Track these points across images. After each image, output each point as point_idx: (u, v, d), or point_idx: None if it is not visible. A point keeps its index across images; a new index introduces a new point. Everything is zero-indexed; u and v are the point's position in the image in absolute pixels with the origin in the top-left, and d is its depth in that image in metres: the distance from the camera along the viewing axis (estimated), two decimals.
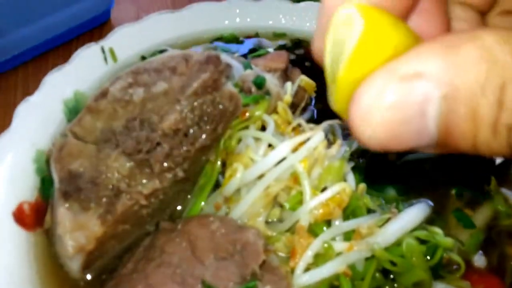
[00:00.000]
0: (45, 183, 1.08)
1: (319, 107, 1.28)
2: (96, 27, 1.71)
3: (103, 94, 1.03)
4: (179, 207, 1.08)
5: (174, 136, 0.98)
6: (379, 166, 1.18)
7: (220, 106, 1.01)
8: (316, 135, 1.01)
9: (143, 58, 1.29)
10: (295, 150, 1.01)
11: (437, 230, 1.05)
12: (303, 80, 1.20)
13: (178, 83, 0.99)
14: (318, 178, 1.02)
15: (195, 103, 0.98)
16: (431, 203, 1.13)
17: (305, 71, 1.26)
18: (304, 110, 1.24)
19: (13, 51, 1.52)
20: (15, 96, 1.54)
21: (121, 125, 1.00)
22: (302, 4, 1.40)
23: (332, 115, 1.23)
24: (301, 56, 1.35)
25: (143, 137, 0.97)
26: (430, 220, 1.09)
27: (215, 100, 1.01)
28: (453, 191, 1.18)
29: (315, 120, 1.23)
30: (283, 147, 1.01)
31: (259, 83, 1.09)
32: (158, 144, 0.97)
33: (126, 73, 1.04)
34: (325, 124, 1.06)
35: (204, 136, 1.00)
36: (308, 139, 1.02)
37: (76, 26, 1.62)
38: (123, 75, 1.04)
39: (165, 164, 0.98)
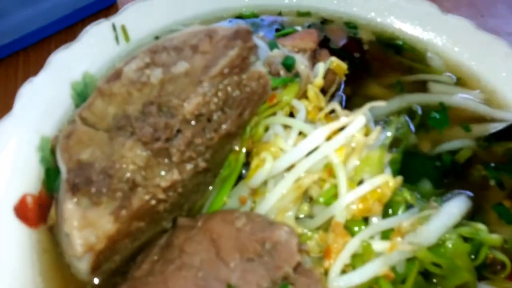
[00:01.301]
0: (50, 174, 0.98)
1: (348, 93, 1.17)
2: (102, 10, 1.60)
3: (117, 75, 0.92)
4: (198, 201, 0.97)
5: (196, 122, 0.87)
6: (413, 158, 1.09)
7: (247, 89, 0.90)
8: (356, 120, 0.91)
9: (157, 38, 1.18)
10: (329, 138, 0.91)
11: (481, 226, 0.95)
12: (334, 62, 1.09)
13: (201, 63, 0.88)
14: (354, 169, 0.92)
15: (220, 85, 0.88)
16: (470, 193, 1.05)
17: (332, 53, 1.15)
18: (332, 96, 1.14)
19: (14, 35, 1.42)
20: (15, 85, 1.44)
21: (136, 110, 0.89)
22: None
23: (364, 101, 1.16)
24: (326, 37, 1.24)
25: (162, 124, 0.86)
26: (469, 216, 0.99)
27: (242, 81, 0.90)
28: (493, 182, 1.09)
29: (343, 108, 1.13)
30: (317, 135, 0.90)
31: (289, 65, 0.98)
32: (178, 131, 0.87)
33: (143, 51, 0.93)
34: (366, 107, 0.95)
35: (229, 122, 0.90)
36: (345, 126, 0.92)
37: (81, 8, 1.51)
38: (139, 54, 0.93)
39: (186, 154, 0.87)
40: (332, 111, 0.99)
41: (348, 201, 0.88)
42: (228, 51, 0.88)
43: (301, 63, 1.01)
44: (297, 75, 0.99)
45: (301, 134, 0.95)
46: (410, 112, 1.16)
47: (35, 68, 1.46)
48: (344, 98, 1.16)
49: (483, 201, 1.07)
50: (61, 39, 1.52)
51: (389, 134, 0.98)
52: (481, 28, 1.23)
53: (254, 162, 0.93)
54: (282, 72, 0.99)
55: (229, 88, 0.89)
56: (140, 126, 0.88)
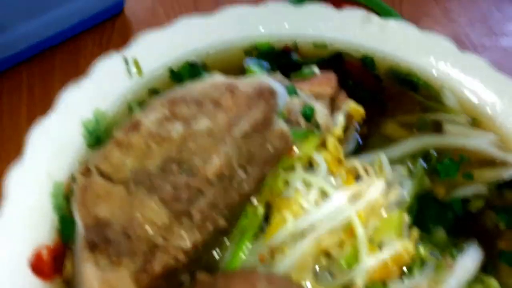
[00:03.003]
0: (65, 223, 0.95)
1: (364, 132, 1.15)
2: (108, 19, 1.56)
3: (135, 126, 0.90)
4: (216, 254, 0.95)
5: (218, 182, 0.85)
6: (427, 204, 1.08)
7: (269, 147, 0.89)
8: (376, 185, 0.91)
9: (172, 71, 1.15)
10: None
11: (493, 282, 0.97)
12: (351, 106, 1.07)
13: (223, 120, 0.86)
14: (374, 229, 0.92)
15: (243, 145, 0.86)
16: (483, 242, 1.05)
17: (348, 91, 1.14)
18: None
19: (19, 46, 1.37)
20: (19, 99, 1.40)
21: (156, 166, 0.87)
22: (345, 11, 1.26)
23: (381, 141, 1.14)
24: (343, 72, 1.22)
25: (183, 183, 0.85)
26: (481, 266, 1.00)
27: (264, 140, 0.88)
28: (503, 226, 1.09)
29: (360, 146, 1.12)
30: (339, 197, 0.90)
31: (308, 115, 0.97)
32: (200, 191, 0.85)
33: (161, 102, 0.90)
34: (387, 169, 0.94)
35: (250, 181, 0.88)
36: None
37: (86, 19, 1.46)
38: (157, 105, 0.90)
39: (207, 214, 0.86)
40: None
41: (369, 266, 0.88)
42: (252, 112, 0.86)
43: (320, 111, 0.99)
44: (316, 125, 0.98)
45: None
46: (424, 153, 1.15)
47: (39, 78, 1.44)
48: (359, 138, 1.14)
49: (495, 250, 1.07)
50: (67, 49, 1.48)
51: (406, 194, 0.98)
52: (498, 70, 1.21)
53: (275, 220, 0.92)
54: (301, 121, 0.97)
55: (251, 148, 0.87)
56: (160, 184, 0.86)
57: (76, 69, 1.46)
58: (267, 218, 0.95)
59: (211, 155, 0.85)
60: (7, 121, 1.33)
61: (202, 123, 0.86)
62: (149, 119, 0.89)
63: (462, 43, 1.74)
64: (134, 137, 0.89)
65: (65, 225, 0.95)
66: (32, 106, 1.39)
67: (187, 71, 1.16)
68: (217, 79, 0.93)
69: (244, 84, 0.90)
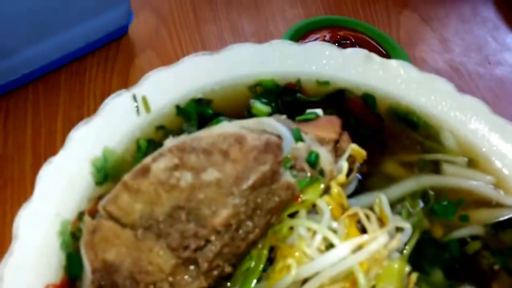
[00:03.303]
0: (71, 260, 0.97)
1: (364, 171, 1.18)
2: (113, 41, 1.58)
3: (144, 171, 0.91)
4: None
5: (225, 232, 0.88)
6: (425, 246, 1.11)
7: (276, 198, 0.91)
8: (380, 237, 0.93)
9: (178, 107, 1.17)
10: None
11: None
12: (354, 149, 1.10)
13: (232, 172, 0.88)
14: (375, 278, 0.94)
15: (250, 197, 0.88)
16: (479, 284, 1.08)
17: (350, 129, 1.16)
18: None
19: (26, 69, 1.40)
20: (25, 119, 1.43)
21: (164, 213, 0.89)
22: (348, 50, 1.28)
23: (381, 181, 1.17)
24: (345, 109, 1.25)
25: (191, 232, 0.87)
26: None
27: (271, 191, 0.91)
28: (498, 267, 1.12)
29: (360, 185, 1.15)
30: (343, 248, 0.92)
31: (313, 162, 0.99)
32: (208, 240, 0.87)
33: (170, 149, 0.92)
34: (391, 226, 0.96)
35: (256, 230, 0.91)
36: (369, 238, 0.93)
37: (91, 42, 1.49)
38: (166, 152, 0.92)
39: (214, 263, 0.88)
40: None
41: None
42: (260, 166, 0.88)
43: (325, 157, 1.01)
44: (321, 172, 1.00)
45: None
46: (423, 193, 1.17)
47: (44, 97, 1.47)
48: (360, 177, 1.17)
49: None
50: (71, 69, 1.52)
51: (406, 241, 1.01)
52: (496, 113, 1.24)
53: (279, 265, 0.94)
54: (306, 167, 0.99)
55: (258, 199, 0.89)
56: (168, 231, 0.88)
57: (81, 89, 1.49)
58: (270, 260, 0.97)
59: (219, 206, 0.87)
60: (11, 138, 1.37)
61: (211, 174, 0.88)
62: (158, 166, 0.90)
63: (458, 72, 1.78)
64: (143, 183, 0.91)
65: (72, 262, 0.97)
66: (37, 125, 1.45)
67: (193, 108, 1.18)
68: (226, 128, 0.95)
69: (252, 136, 0.91)
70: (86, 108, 1.51)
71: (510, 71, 1.79)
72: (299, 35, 1.69)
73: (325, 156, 1.01)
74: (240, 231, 0.89)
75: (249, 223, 0.89)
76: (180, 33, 1.74)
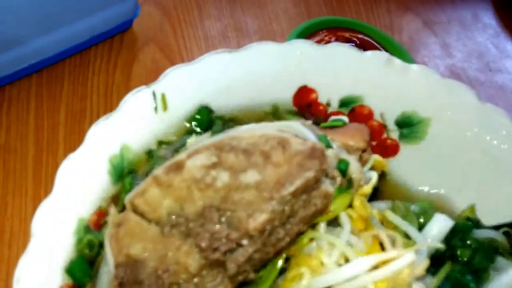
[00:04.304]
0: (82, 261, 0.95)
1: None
2: (117, 34, 1.57)
3: (178, 167, 0.88)
4: None
5: (258, 238, 0.85)
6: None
7: (312, 207, 0.89)
8: (404, 257, 0.88)
9: (199, 106, 1.14)
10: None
11: None
12: (377, 160, 1.08)
13: (273, 176, 0.85)
14: None
15: (289, 203, 0.86)
16: None
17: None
18: None
19: (32, 60, 1.40)
20: (27, 110, 1.40)
21: (195, 212, 0.86)
22: (368, 53, 1.24)
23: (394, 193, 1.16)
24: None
25: (222, 234, 0.84)
26: None
27: (309, 199, 0.88)
28: None
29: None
30: (361, 264, 0.88)
31: (344, 170, 0.97)
32: (239, 244, 0.85)
33: (206, 146, 0.89)
34: (421, 245, 0.94)
35: (287, 238, 0.88)
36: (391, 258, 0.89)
37: (97, 35, 1.50)
38: (202, 149, 0.88)
39: (242, 268, 0.86)
40: None
41: None
42: (304, 172, 0.85)
43: (354, 166, 0.99)
44: (349, 181, 0.98)
45: None
46: None
47: (47, 89, 1.44)
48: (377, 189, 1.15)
49: None
50: (75, 62, 1.52)
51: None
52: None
53: (291, 273, 0.91)
54: (337, 176, 0.96)
55: (296, 206, 0.87)
56: (197, 230, 0.85)
57: (84, 81, 1.48)
58: (282, 270, 0.93)
59: (256, 210, 0.84)
60: (14, 129, 1.38)
61: (250, 176, 0.85)
62: (194, 163, 0.87)
63: (459, 77, 1.80)
64: (176, 179, 0.87)
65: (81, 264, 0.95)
66: (40, 116, 1.45)
67: (209, 109, 1.15)
68: (268, 129, 0.92)
69: (297, 140, 0.88)
70: (89, 100, 1.49)
71: (510, 78, 1.81)
72: (305, 36, 1.67)
73: (354, 165, 0.99)
74: (272, 237, 0.87)
75: (281, 231, 0.87)
76: (184, 29, 1.72)
